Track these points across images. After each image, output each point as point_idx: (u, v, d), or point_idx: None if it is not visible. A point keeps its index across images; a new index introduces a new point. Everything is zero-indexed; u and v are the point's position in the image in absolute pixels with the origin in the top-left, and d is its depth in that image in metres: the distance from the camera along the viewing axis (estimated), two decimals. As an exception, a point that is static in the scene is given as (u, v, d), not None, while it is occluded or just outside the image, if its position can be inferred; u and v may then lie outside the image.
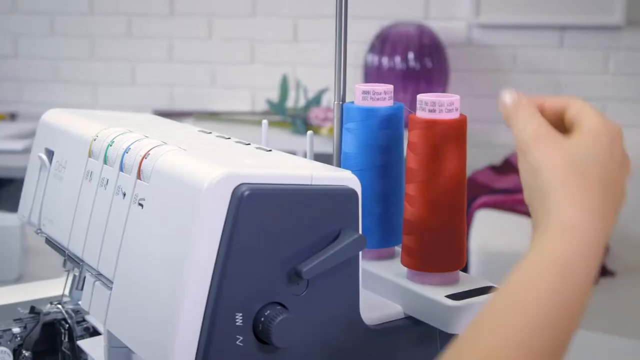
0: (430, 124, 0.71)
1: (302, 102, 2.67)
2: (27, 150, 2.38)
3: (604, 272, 2.48)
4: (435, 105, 0.71)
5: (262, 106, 2.88)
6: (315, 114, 2.55)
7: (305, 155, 0.78)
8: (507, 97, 0.65)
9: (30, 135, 2.51)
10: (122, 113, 0.95)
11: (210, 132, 0.83)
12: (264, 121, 0.83)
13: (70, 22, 3.03)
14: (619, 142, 0.62)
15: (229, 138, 0.79)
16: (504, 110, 0.65)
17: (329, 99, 2.66)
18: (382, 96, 0.75)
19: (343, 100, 0.78)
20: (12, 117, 2.98)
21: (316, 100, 2.62)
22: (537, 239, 0.59)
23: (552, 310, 0.56)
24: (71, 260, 0.79)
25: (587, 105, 0.64)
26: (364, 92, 0.75)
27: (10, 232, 1.35)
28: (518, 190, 2.44)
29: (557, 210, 0.58)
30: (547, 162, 0.60)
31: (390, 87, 0.76)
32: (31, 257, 1.42)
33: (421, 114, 0.72)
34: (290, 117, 2.62)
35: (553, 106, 0.66)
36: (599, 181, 0.60)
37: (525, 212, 2.34)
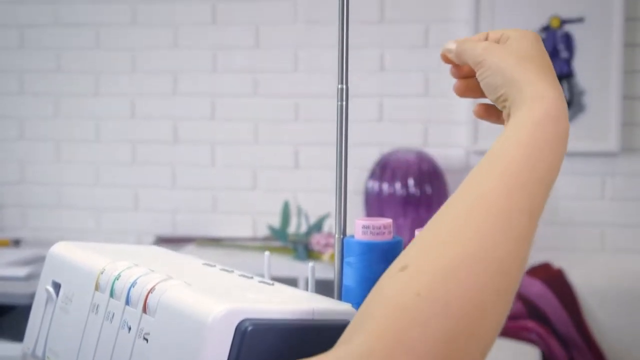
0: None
1: (303, 228, 2.70)
2: (30, 277, 2.38)
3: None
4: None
5: (263, 232, 2.91)
6: (316, 240, 2.57)
7: (307, 284, 0.80)
8: (451, 44, 0.78)
9: (34, 261, 2.52)
10: (128, 246, 0.97)
11: (214, 265, 0.85)
12: (266, 253, 0.85)
13: (75, 149, 3.09)
14: (539, 39, 0.75)
15: (233, 271, 0.81)
16: (455, 53, 0.77)
17: (330, 225, 2.68)
18: (381, 230, 0.78)
19: (344, 233, 0.81)
20: (16, 243, 3.00)
21: (317, 227, 2.64)
22: (513, 115, 0.69)
23: (525, 167, 0.63)
24: (75, 393, 0.79)
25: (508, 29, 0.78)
26: (364, 227, 0.78)
27: (11, 361, 1.34)
28: (522, 316, 2.44)
29: (528, 89, 0.68)
30: (504, 61, 0.72)
31: (389, 221, 0.79)
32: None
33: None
34: (292, 243, 2.64)
35: (491, 37, 0.78)
36: (546, 66, 0.72)
37: (531, 340, 2.33)
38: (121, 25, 3.04)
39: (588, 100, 2.75)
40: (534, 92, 0.68)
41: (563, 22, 2.75)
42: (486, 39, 0.78)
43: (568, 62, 2.76)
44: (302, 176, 2.95)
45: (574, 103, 2.76)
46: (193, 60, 3.00)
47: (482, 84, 0.74)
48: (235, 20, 2.95)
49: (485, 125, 2.76)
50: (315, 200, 2.87)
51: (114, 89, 3.06)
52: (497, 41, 0.76)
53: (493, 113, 0.80)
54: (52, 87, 3.10)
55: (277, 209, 2.78)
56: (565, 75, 2.76)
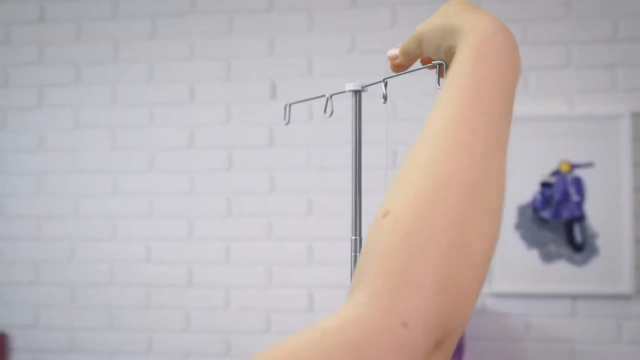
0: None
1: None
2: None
3: None
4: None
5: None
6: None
7: None
8: (393, 51, 0.84)
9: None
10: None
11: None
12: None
13: (89, 293, 3.11)
14: None
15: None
16: (401, 54, 0.83)
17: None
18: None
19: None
20: (27, 388, 2.98)
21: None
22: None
23: (475, 84, 0.65)
24: None
25: None
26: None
27: None
28: None
29: (464, 26, 0.72)
30: (435, 22, 0.76)
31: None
32: None
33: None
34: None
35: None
36: (474, 8, 0.74)
37: None
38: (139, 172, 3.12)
39: (601, 243, 2.76)
40: (469, 25, 0.72)
41: (573, 166, 2.80)
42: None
43: (579, 205, 2.79)
44: (317, 319, 2.93)
45: (587, 246, 2.77)
46: (207, 251, 3.06)
47: (430, 53, 0.79)
48: (250, 167, 3.02)
49: (499, 267, 2.77)
50: None
51: (130, 232, 3.10)
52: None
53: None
54: (68, 232, 3.15)
55: None
56: (577, 218, 2.78)
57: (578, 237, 2.78)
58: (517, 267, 2.80)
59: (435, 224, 0.58)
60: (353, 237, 0.82)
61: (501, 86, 0.67)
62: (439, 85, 0.80)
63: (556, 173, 2.81)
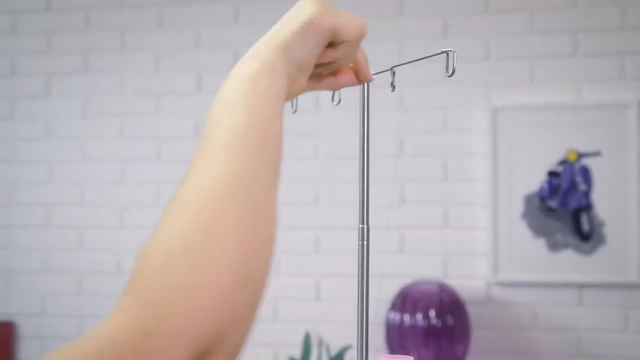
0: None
1: (324, 361, 2.67)
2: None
3: None
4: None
5: (284, 364, 2.88)
6: (337, 373, 2.54)
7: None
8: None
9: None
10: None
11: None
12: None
13: (97, 281, 3.12)
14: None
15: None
16: None
17: (352, 357, 2.66)
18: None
19: (365, 363, 0.81)
20: (36, 375, 2.99)
21: (339, 358, 2.62)
22: None
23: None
24: None
25: None
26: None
27: None
28: None
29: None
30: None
31: (410, 358, 0.80)
32: None
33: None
34: (313, 375, 2.62)
35: None
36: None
37: None
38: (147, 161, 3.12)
39: (608, 232, 2.76)
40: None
41: (580, 155, 2.79)
42: None
43: (587, 194, 2.78)
44: (323, 308, 2.95)
45: (594, 235, 2.77)
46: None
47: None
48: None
49: (506, 256, 2.76)
50: (337, 331, 2.85)
51: (137, 220, 3.11)
52: None
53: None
54: (76, 220, 3.16)
55: (298, 340, 2.76)
56: (584, 207, 2.78)
57: (585, 226, 2.78)
58: (524, 256, 2.80)
59: (167, 244, 0.59)
60: (360, 226, 0.82)
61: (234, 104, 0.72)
62: (448, 73, 0.80)
63: (563, 162, 2.81)
